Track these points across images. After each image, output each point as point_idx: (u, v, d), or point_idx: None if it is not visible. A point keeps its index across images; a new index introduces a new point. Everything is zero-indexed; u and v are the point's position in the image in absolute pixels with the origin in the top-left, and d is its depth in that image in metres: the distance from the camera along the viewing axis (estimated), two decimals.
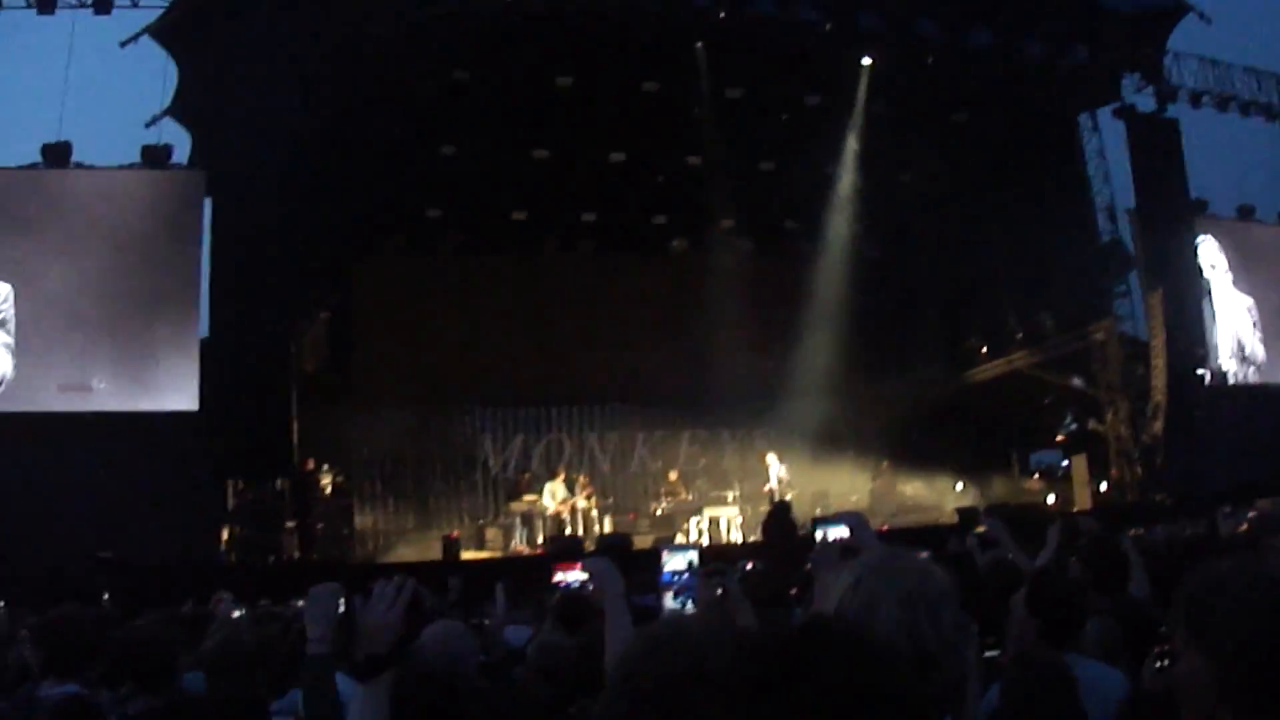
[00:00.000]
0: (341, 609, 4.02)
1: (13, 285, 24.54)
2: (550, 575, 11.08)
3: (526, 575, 12.24)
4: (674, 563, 5.52)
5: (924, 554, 5.64)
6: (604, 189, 31.17)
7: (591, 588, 5.47)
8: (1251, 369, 33.02)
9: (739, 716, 1.66)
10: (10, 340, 24.40)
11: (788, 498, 27.90)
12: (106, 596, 16.55)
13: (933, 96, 29.72)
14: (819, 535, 4.97)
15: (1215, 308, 31.97)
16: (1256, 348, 33.18)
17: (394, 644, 3.73)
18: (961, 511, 25.65)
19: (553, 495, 27.96)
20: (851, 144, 30.62)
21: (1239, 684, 2.62)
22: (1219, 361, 31.65)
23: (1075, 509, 26.75)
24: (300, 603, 4.92)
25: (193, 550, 22.89)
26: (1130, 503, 27.23)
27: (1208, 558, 3.19)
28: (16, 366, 24.41)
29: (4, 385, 24.35)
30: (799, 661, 1.68)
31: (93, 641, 6.42)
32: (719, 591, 5.77)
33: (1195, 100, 31.40)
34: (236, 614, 11.41)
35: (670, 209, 32.61)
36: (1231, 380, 32.16)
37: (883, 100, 29.68)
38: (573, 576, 6.08)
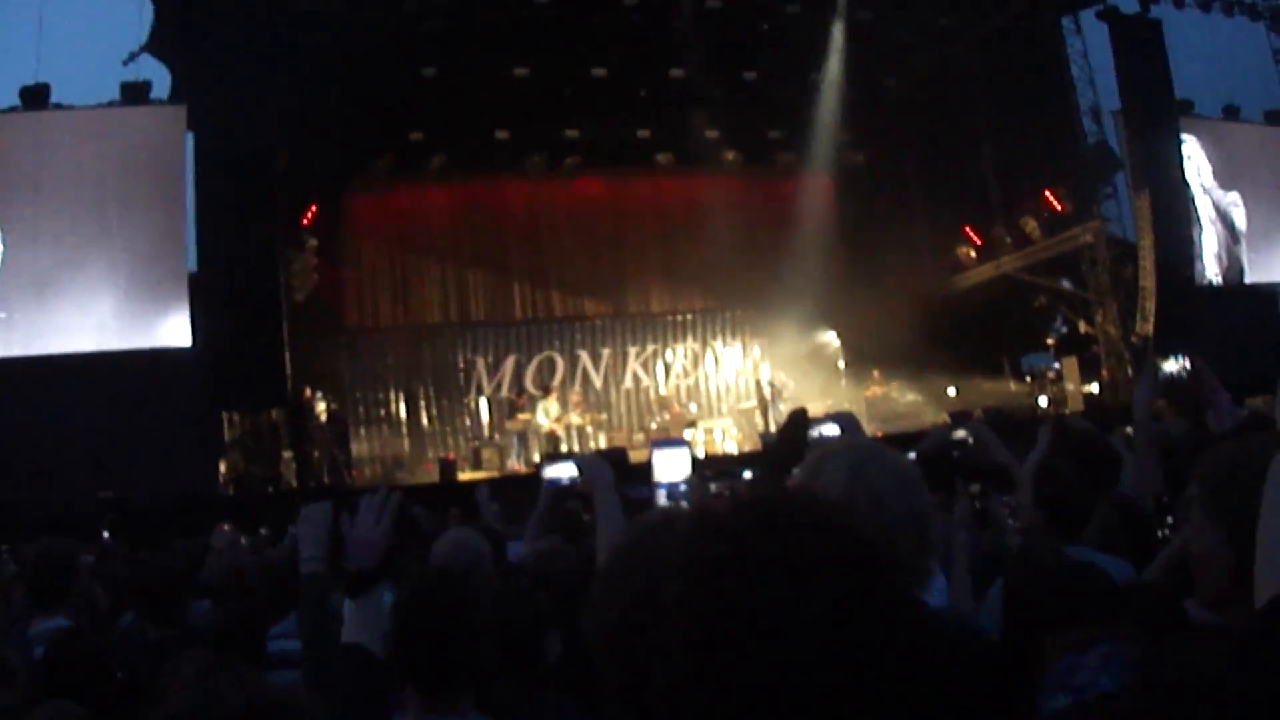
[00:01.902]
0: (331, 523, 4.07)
1: (1, 230, 24.51)
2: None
3: (523, 492, 12.28)
4: (668, 467, 5.53)
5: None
6: (587, 105, 31.04)
7: (580, 484, 5.47)
8: (1238, 269, 33.08)
9: (695, 588, 1.66)
10: None
11: (781, 408, 28.04)
12: (107, 534, 16.60)
13: (915, 1, 29.58)
14: (814, 434, 5.01)
15: (1201, 208, 32.01)
16: (1243, 247, 33.23)
17: (381, 558, 3.77)
18: (953, 415, 25.73)
19: (546, 413, 28.02)
20: (835, 51, 30.50)
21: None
22: (1205, 262, 31.70)
23: (1067, 411, 26.81)
24: None
25: (191, 484, 22.95)
26: (1123, 403, 27.29)
27: (1199, 452, 3.24)
28: (6, 309, 24.39)
29: None
30: (753, 527, 1.67)
31: (73, 575, 6.49)
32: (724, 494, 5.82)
33: (1178, 1, 31.27)
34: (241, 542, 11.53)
35: (654, 123, 32.44)
36: (1218, 280, 32.22)
37: (865, 6, 29.56)
38: (561, 472, 6.07)
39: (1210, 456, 3.00)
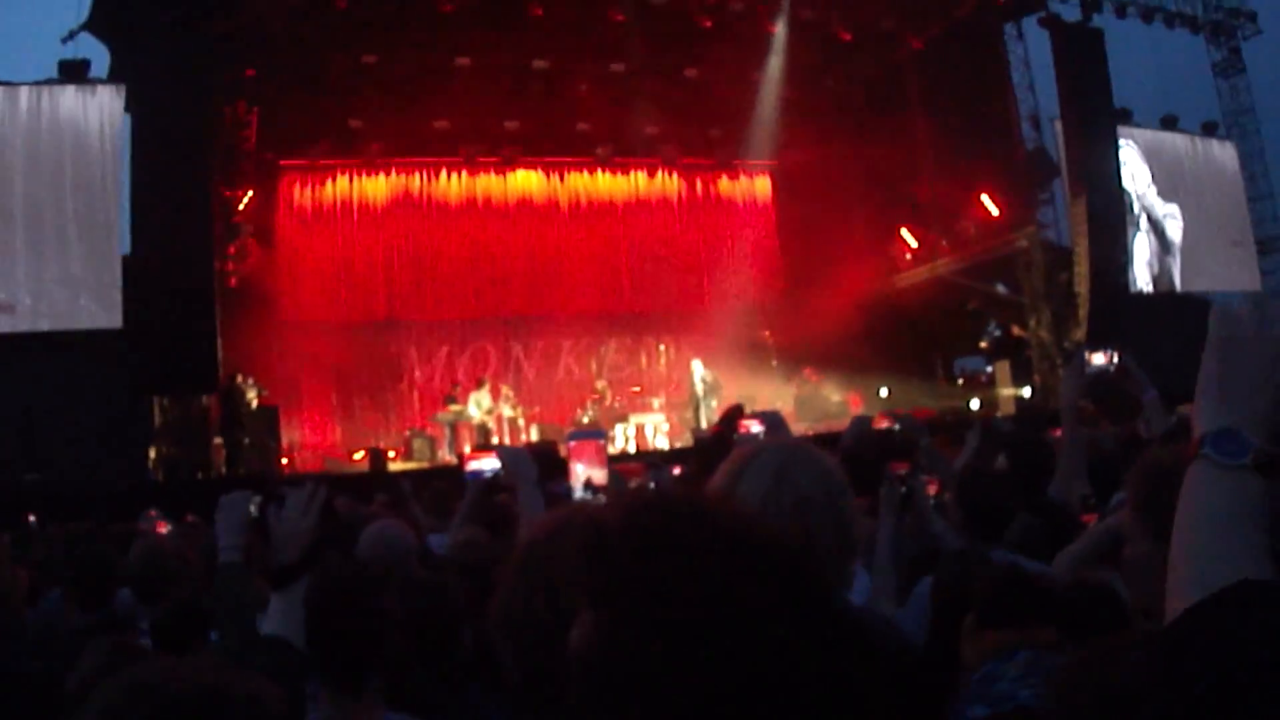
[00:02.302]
0: (254, 514, 4.05)
1: None
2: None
3: (452, 484, 12.25)
4: (585, 458, 5.49)
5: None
6: (528, 96, 30.99)
7: (504, 477, 5.47)
8: (1169, 278, 33.35)
9: (597, 610, 1.65)
10: None
11: (713, 403, 28.10)
12: (33, 519, 16.47)
13: (858, 3, 29.67)
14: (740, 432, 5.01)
15: (1136, 216, 32.25)
16: (1175, 257, 33.50)
17: (306, 551, 3.76)
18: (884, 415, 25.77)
19: (478, 405, 27.99)
20: (776, 49, 30.55)
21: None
22: (1137, 270, 31.92)
23: (999, 414, 26.97)
24: None
25: (120, 469, 22.81)
26: (1053, 408, 27.44)
27: (1129, 459, 3.26)
28: None
29: None
30: (656, 527, 1.65)
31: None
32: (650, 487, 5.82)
33: (1121, 11, 31.48)
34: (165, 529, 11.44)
35: (594, 116, 32.42)
36: (1151, 289, 32.47)
37: (807, 5, 29.61)
38: (486, 465, 6.05)
39: (1142, 462, 3.03)
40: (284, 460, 27.25)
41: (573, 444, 5.75)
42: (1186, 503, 2.10)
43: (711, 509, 1.71)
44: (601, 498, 4.77)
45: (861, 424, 7.32)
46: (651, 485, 5.94)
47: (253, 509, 4.08)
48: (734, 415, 5.05)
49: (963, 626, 3.83)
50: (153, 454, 24.79)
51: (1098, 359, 6.22)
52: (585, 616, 1.65)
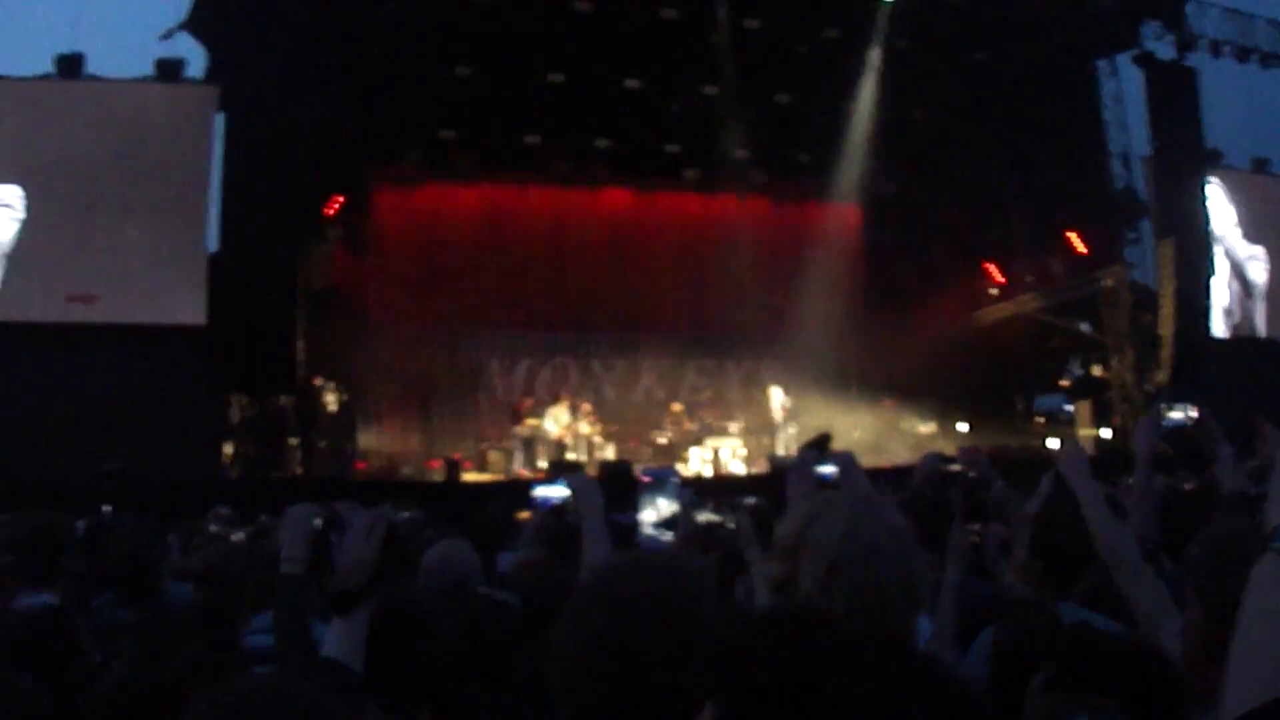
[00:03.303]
0: (319, 526, 4.06)
1: (24, 190, 24.59)
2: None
3: (524, 499, 12.26)
4: (655, 505, 5.49)
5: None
6: (619, 115, 31.00)
7: (571, 505, 5.48)
8: (1255, 322, 33.06)
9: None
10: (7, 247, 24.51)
11: (791, 430, 28.05)
12: (109, 509, 16.58)
13: (952, 34, 29.59)
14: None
15: (1224, 259, 32.00)
16: (1257, 302, 33.22)
17: (367, 579, 3.77)
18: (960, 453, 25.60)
19: (555, 420, 28.00)
20: (869, 79, 30.49)
21: (1224, 647, 2.66)
22: (1221, 314, 31.66)
23: None
24: None
25: (195, 464, 22.98)
26: (1131, 452, 27.18)
27: (1204, 511, 3.23)
28: (24, 275, 24.46)
29: None
30: (768, 653, 1.73)
31: (64, 550, 6.42)
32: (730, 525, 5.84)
33: (1215, 50, 31.23)
34: (234, 534, 11.47)
35: (684, 138, 32.36)
36: (1233, 333, 32.20)
37: (902, 36, 29.55)
38: (553, 493, 6.06)
39: (1206, 532, 3.00)
40: (359, 465, 27.36)
41: (646, 479, 5.76)
42: (1253, 596, 2.06)
43: (832, 629, 1.78)
44: (669, 535, 4.77)
45: (933, 463, 7.26)
46: (732, 525, 5.95)
47: (317, 522, 4.09)
48: (822, 443, 5.04)
49: (1030, 684, 3.80)
50: (228, 451, 24.98)
51: (1175, 414, 6.18)
52: (710, 710, 1.73)
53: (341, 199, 29.02)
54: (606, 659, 2.17)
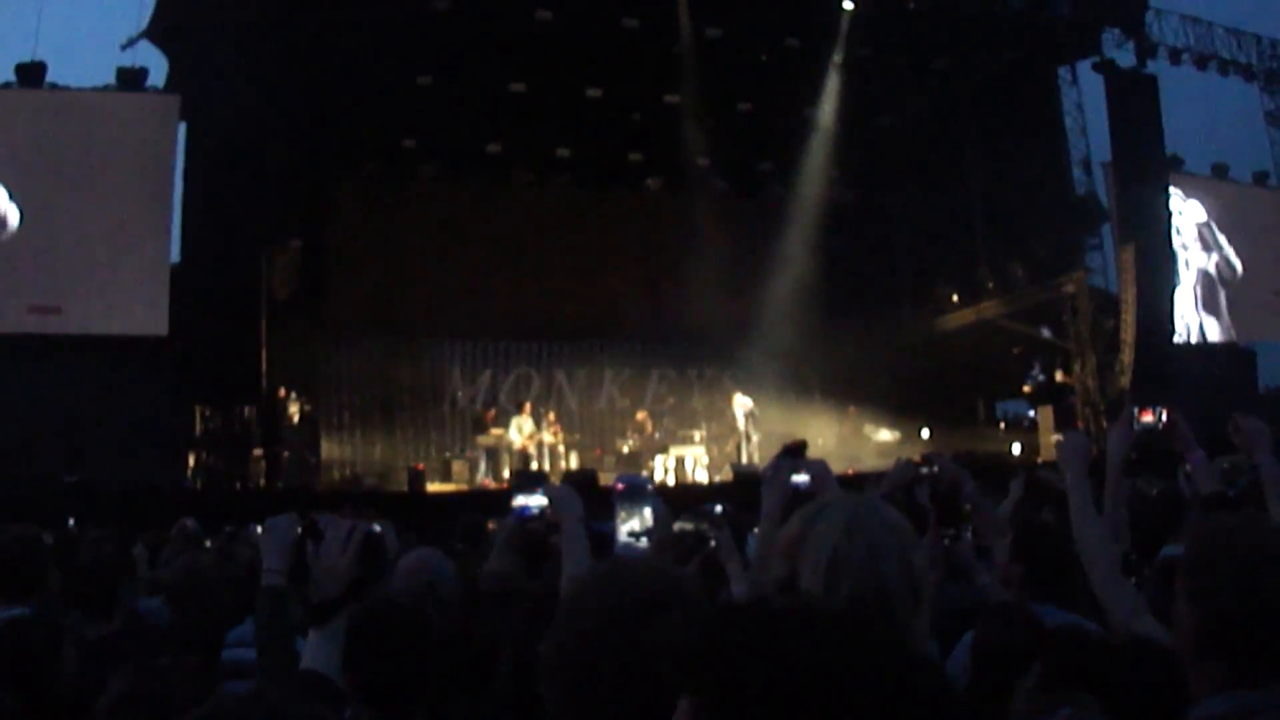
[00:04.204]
0: (296, 536, 4.06)
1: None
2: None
3: (489, 509, 12.25)
4: (631, 520, 5.46)
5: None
6: (580, 124, 31.02)
7: (549, 514, 5.47)
8: (1217, 327, 33.23)
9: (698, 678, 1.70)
10: None
11: (755, 437, 28.07)
12: (72, 521, 16.53)
13: (913, 43, 29.66)
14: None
15: (1182, 265, 32.15)
16: (1223, 306, 33.39)
17: (346, 588, 3.77)
18: (924, 457, 25.63)
19: (519, 430, 27.92)
20: (830, 87, 30.56)
21: (1214, 644, 2.70)
22: (1185, 318, 31.82)
23: (1040, 460, 26.87)
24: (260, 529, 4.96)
25: (159, 475, 22.91)
26: (1095, 456, 27.25)
27: (1171, 514, 3.27)
28: None
29: None
30: (764, 643, 1.70)
31: (42, 564, 6.38)
32: (711, 544, 5.85)
33: (1175, 57, 31.47)
34: (203, 541, 11.43)
35: (646, 147, 32.47)
36: (1196, 338, 32.36)
37: (863, 45, 29.63)
38: (532, 502, 6.02)
39: (1196, 530, 3.03)
40: (322, 476, 27.32)
41: (619, 486, 5.73)
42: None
43: (811, 613, 1.76)
44: (644, 542, 4.75)
45: (904, 469, 7.27)
46: (712, 543, 5.96)
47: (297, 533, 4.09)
48: (798, 451, 5.04)
49: (1018, 684, 3.82)
50: (191, 462, 24.91)
51: (1146, 417, 6.19)
52: (685, 705, 1.71)
53: (302, 207, 28.97)
54: (600, 664, 2.19)
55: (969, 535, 6.91)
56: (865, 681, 1.65)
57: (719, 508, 8.52)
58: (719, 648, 1.71)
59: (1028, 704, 3.64)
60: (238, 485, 24.79)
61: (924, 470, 7.27)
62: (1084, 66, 30.97)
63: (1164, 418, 6.49)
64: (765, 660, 1.66)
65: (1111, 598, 4.43)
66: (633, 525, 5.06)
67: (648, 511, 4.80)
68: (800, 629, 1.71)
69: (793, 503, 4.28)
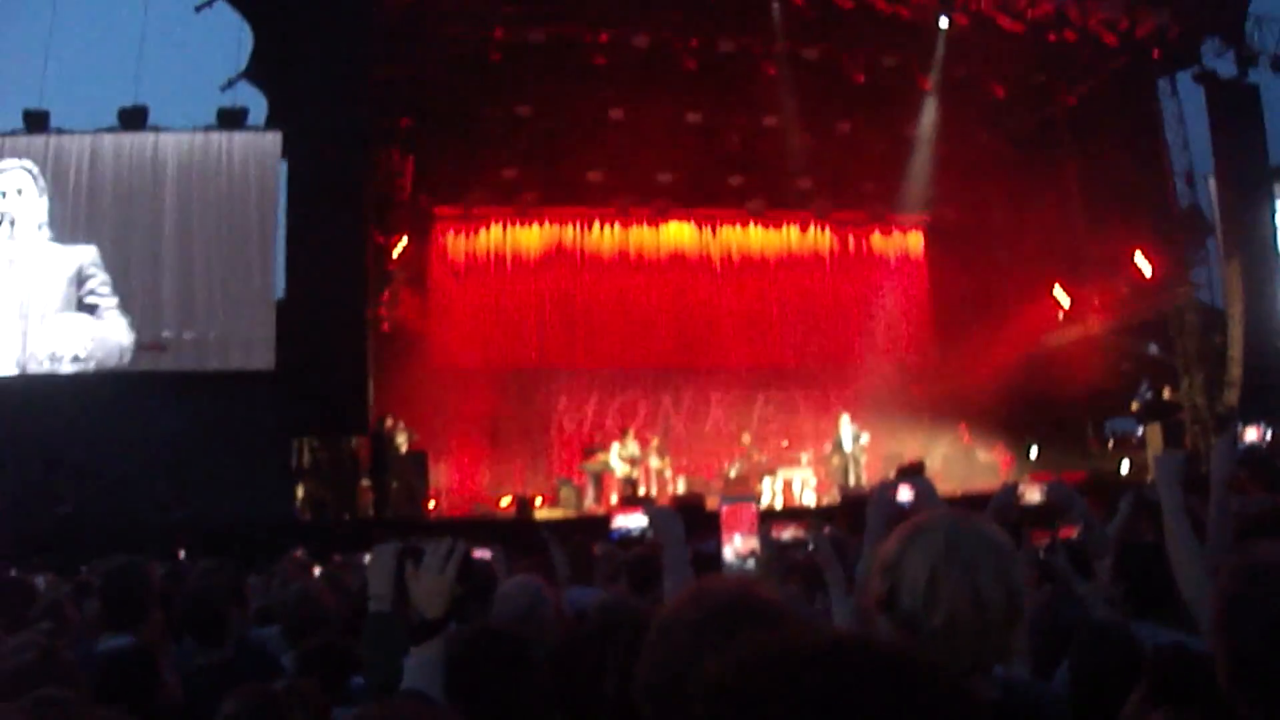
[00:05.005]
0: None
1: (97, 246, 24.82)
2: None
3: (596, 534, 12.28)
4: (736, 523, 5.45)
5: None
6: (680, 149, 31.05)
7: (650, 535, 5.46)
8: None
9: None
10: (114, 302, 24.72)
11: (861, 459, 27.95)
12: (183, 554, 16.70)
13: (1010, 58, 29.54)
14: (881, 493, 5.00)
15: None
16: None
17: (445, 608, 3.80)
18: (901, 469, 25.48)
19: (625, 455, 27.93)
20: (929, 105, 30.50)
21: (1242, 681, 2.66)
22: None
23: (1150, 478, 26.58)
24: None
25: (268, 508, 23.09)
26: (1204, 473, 26.86)
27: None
28: (101, 327, 24.72)
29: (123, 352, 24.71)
30: (842, 685, 1.66)
31: (148, 595, 6.48)
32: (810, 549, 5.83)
33: (1277, 65, 31.01)
34: (313, 569, 11.53)
35: (747, 169, 32.45)
36: None
37: (960, 61, 29.54)
38: (631, 522, 6.00)
39: (1242, 555, 2.97)
40: (431, 504, 27.43)
41: (725, 508, 5.73)
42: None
43: (845, 649, 1.72)
44: (752, 564, 4.75)
45: (1008, 494, 7.22)
46: (811, 547, 5.93)
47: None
48: (917, 470, 5.08)
49: (1128, 703, 3.80)
50: (300, 494, 25.10)
51: (1251, 434, 6.15)
52: None
53: (406, 240, 29.22)
54: (689, 680, 2.18)
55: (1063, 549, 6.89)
56: None
57: (826, 530, 8.53)
58: (744, 687, 1.69)
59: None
60: (346, 516, 24.96)
61: (1030, 500, 7.24)
62: (1184, 78, 30.63)
63: (1269, 435, 6.45)
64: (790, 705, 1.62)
65: (1201, 611, 4.38)
66: (737, 546, 5.06)
67: (755, 509, 4.81)
68: (835, 671, 1.66)
69: (897, 522, 4.28)
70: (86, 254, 24.69)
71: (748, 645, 1.75)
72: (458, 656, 3.79)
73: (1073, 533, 6.86)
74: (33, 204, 24.88)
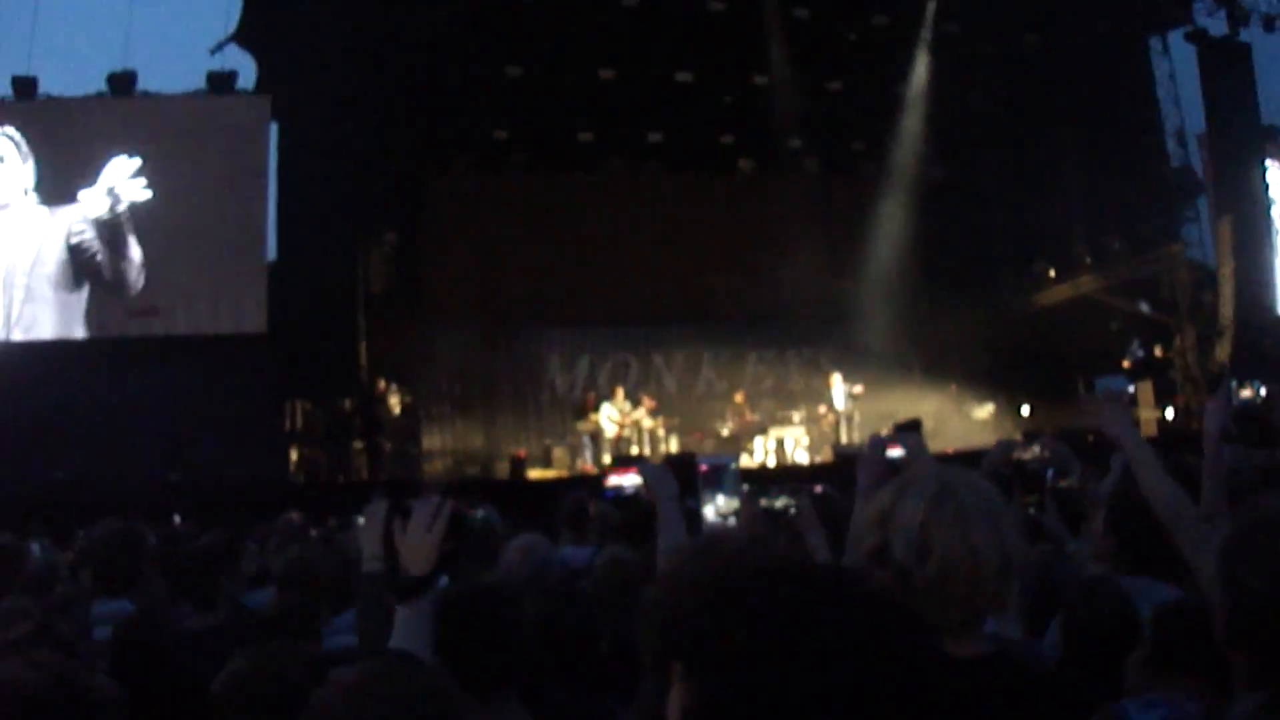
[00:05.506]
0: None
1: (86, 210, 24.78)
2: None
3: (590, 493, 12.29)
4: (714, 502, 5.50)
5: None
6: (670, 109, 31.01)
7: (644, 491, 5.49)
8: None
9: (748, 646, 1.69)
10: (105, 266, 24.76)
11: (854, 418, 27.98)
12: (178, 519, 16.73)
13: (1002, 18, 29.47)
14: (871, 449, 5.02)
15: None
16: None
17: (433, 565, 3.79)
18: (1026, 433, 25.51)
19: (611, 415, 27.91)
20: (920, 65, 30.45)
21: (1243, 635, 2.68)
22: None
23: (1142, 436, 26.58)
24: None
25: (261, 471, 23.11)
26: (1195, 429, 26.97)
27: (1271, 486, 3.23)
28: (89, 291, 24.71)
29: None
30: (810, 610, 1.69)
31: (139, 558, 6.51)
32: (793, 511, 5.85)
33: (1269, 24, 30.93)
34: (309, 533, 11.55)
35: (737, 129, 32.41)
36: None
37: (952, 21, 29.49)
38: (626, 481, 6.04)
39: (1242, 511, 2.99)
40: (424, 465, 27.47)
41: (704, 467, 5.78)
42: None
43: (803, 576, 1.75)
44: (733, 520, 4.79)
45: (1004, 449, 7.23)
46: (793, 508, 5.97)
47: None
48: (915, 427, 5.08)
49: (1130, 666, 3.82)
50: (294, 456, 25.13)
51: (1245, 392, 6.15)
52: (682, 687, 1.72)
53: (396, 201, 29.16)
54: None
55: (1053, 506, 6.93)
56: (847, 639, 1.66)
57: (818, 488, 8.55)
58: (696, 612, 1.76)
59: (1137, 679, 3.64)
60: (340, 478, 24.99)
61: (1029, 452, 7.26)
62: (1176, 36, 30.61)
63: (1263, 392, 6.45)
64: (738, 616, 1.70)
65: (1194, 559, 4.37)
66: (719, 506, 5.10)
67: (726, 499, 4.85)
68: (776, 584, 1.74)
69: (887, 477, 4.29)
70: (75, 218, 24.66)
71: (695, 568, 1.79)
72: (447, 614, 3.80)
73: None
74: (16, 170, 24.82)
